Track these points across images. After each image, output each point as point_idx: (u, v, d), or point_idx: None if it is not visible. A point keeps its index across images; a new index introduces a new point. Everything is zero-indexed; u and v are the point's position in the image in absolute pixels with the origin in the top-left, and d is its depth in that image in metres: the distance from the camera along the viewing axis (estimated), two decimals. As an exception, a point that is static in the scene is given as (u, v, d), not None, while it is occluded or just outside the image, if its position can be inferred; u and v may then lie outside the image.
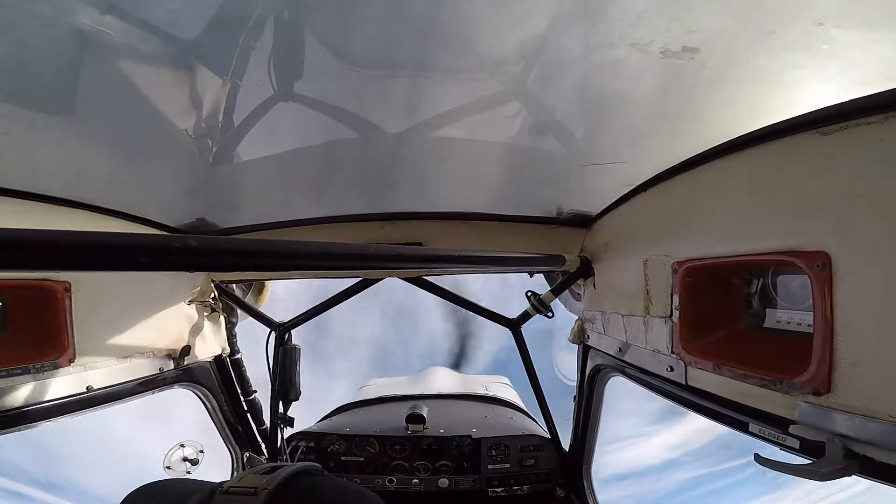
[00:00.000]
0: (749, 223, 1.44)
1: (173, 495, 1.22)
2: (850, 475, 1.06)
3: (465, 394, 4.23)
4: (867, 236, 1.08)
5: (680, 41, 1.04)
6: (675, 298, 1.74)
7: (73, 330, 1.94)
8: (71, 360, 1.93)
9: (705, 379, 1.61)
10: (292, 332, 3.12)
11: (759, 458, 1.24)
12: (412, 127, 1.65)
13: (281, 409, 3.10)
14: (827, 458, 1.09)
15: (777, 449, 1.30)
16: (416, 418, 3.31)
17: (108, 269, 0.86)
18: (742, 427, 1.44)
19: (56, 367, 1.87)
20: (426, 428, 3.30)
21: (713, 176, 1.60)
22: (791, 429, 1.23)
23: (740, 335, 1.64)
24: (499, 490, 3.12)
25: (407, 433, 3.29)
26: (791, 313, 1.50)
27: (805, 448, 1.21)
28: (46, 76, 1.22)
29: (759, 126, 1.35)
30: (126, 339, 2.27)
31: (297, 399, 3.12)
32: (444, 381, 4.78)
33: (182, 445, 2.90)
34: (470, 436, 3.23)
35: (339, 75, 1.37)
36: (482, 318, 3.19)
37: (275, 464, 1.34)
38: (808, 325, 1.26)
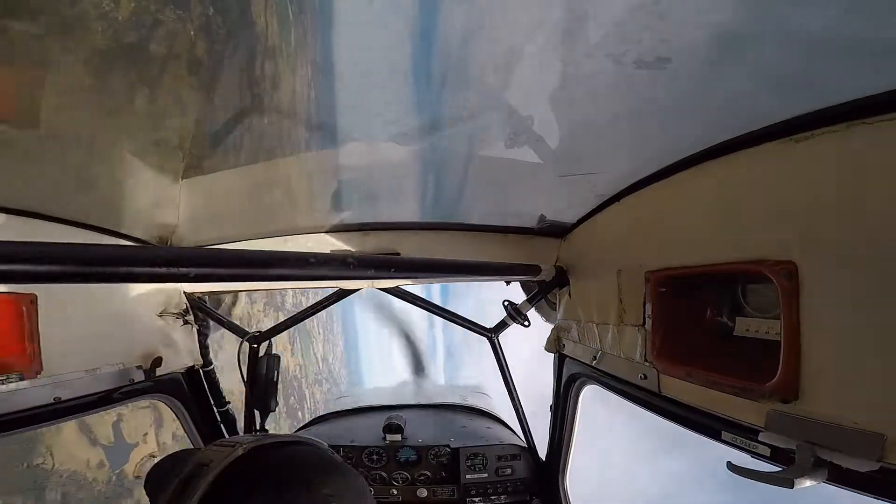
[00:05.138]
0: (719, 232, 1.46)
1: (189, 461, 1.20)
2: (819, 482, 1.08)
3: (443, 403, 4.21)
4: (832, 245, 1.10)
5: (653, 52, 1.06)
6: (648, 307, 1.76)
7: (39, 342, 1.88)
8: (38, 372, 1.87)
9: (678, 387, 1.63)
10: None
11: (731, 466, 1.25)
12: (389, 138, 1.64)
13: (259, 420, 3.05)
14: (797, 465, 1.11)
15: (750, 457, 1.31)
16: (393, 428, 3.28)
17: (76, 282, 0.84)
18: (714, 435, 1.45)
19: (22, 378, 1.82)
20: (404, 438, 3.28)
21: (685, 185, 1.63)
22: (761, 436, 1.25)
23: (711, 343, 1.66)
24: (477, 499, 3.11)
25: (385, 443, 3.26)
26: (760, 322, 1.52)
27: (776, 455, 1.23)
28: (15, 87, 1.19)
29: (729, 136, 1.37)
30: (95, 350, 2.21)
31: (274, 409, 3.08)
32: (422, 391, 4.75)
33: (153, 456, 2.83)
34: (448, 445, 3.22)
35: (316, 85, 1.36)
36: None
37: (280, 434, 1.30)
38: (777, 334, 1.28)
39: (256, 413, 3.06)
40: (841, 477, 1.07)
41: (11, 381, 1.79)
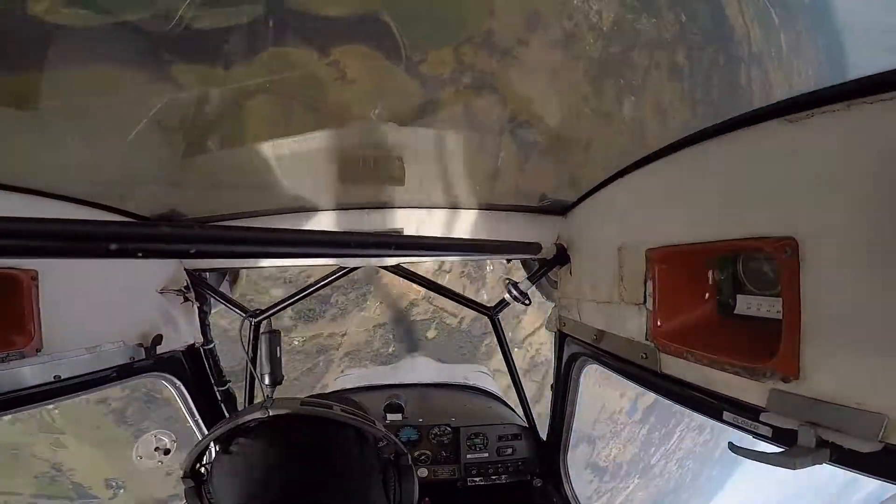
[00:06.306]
0: (721, 209, 1.45)
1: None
2: (821, 463, 1.07)
3: (443, 383, 4.22)
4: (833, 222, 1.09)
5: (659, 35, 1.04)
6: (649, 285, 1.75)
7: (40, 319, 1.86)
8: (38, 350, 1.85)
9: (679, 366, 1.62)
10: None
11: (732, 447, 1.24)
12: (392, 117, 1.62)
13: (266, 394, 3.05)
14: (799, 446, 1.10)
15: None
16: (394, 407, 3.28)
17: (77, 257, 0.84)
18: (716, 415, 1.44)
19: (22, 356, 1.80)
20: (405, 417, 3.29)
21: (686, 163, 1.61)
22: (762, 416, 1.24)
23: (712, 322, 1.65)
24: (477, 479, 3.13)
25: (385, 422, 3.27)
26: (761, 299, 1.51)
27: (778, 436, 1.22)
28: (16, 68, 1.17)
29: (729, 115, 1.35)
30: (96, 328, 2.20)
31: (280, 384, 3.08)
32: (423, 370, 4.77)
33: (154, 436, 2.83)
34: (449, 425, 3.23)
35: (316, 62, 1.34)
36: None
37: (334, 406, 1.31)
38: (778, 312, 1.27)
39: (258, 388, 3.05)
40: (843, 458, 1.05)
41: (12, 359, 1.78)
